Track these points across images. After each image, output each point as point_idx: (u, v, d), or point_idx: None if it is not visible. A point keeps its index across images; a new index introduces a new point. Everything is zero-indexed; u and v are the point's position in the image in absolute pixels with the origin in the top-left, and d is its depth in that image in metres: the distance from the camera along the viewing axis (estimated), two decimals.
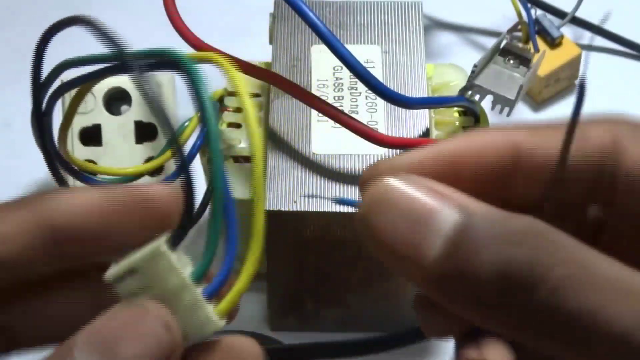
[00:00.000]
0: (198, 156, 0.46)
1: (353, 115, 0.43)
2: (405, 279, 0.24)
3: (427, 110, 0.45)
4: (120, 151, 0.49)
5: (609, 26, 0.60)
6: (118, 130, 0.49)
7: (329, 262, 0.45)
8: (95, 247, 0.26)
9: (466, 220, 0.22)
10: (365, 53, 0.47)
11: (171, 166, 0.48)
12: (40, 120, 0.30)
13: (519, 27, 0.51)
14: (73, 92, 0.34)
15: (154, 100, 0.23)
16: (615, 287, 0.21)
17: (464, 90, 0.46)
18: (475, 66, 0.46)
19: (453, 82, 0.48)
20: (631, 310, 0.21)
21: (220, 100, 0.46)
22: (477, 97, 0.46)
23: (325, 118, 0.44)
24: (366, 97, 0.45)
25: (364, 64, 0.42)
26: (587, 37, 0.60)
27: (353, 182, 0.43)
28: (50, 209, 0.25)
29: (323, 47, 0.42)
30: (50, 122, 0.31)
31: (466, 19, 0.62)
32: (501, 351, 0.26)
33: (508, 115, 0.46)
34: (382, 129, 0.44)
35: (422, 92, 0.46)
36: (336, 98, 0.45)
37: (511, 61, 0.48)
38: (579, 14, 0.58)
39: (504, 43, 0.48)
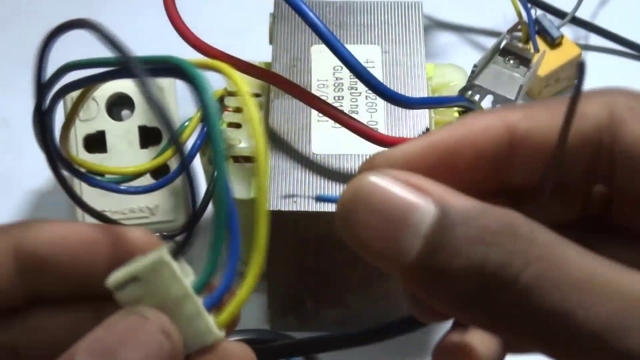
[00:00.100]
0: (198, 156, 0.46)
1: (353, 115, 0.43)
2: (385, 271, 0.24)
3: (427, 110, 0.45)
4: (125, 156, 0.49)
5: (609, 26, 0.60)
6: (122, 135, 0.49)
7: (329, 262, 0.45)
8: (64, 278, 0.26)
9: (442, 218, 0.22)
10: (365, 53, 0.47)
11: (173, 164, 0.48)
12: (42, 119, 0.30)
13: (519, 27, 0.51)
14: (74, 95, 0.34)
15: (159, 104, 0.23)
16: (589, 287, 0.21)
17: (464, 90, 0.46)
18: (475, 66, 0.46)
19: (453, 82, 0.48)
20: (605, 310, 0.21)
21: (221, 100, 0.46)
22: (477, 97, 0.46)
23: (325, 118, 0.44)
24: (366, 97, 0.45)
25: (364, 64, 0.42)
26: (587, 37, 0.60)
27: None
28: (24, 237, 0.26)
29: (323, 47, 0.42)
30: (53, 122, 0.31)
31: (466, 19, 0.62)
32: (485, 338, 0.26)
33: None
34: (382, 129, 0.44)
35: (422, 92, 0.46)
36: (336, 98, 0.45)
37: (511, 61, 0.48)
38: (579, 14, 0.58)
39: (504, 43, 0.48)
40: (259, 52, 0.48)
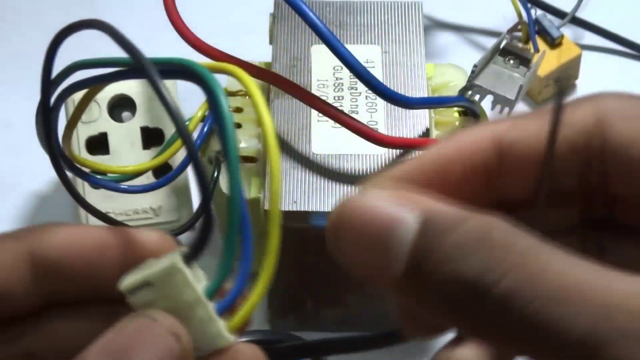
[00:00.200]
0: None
1: (353, 115, 0.44)
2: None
3: (427, 110, 0.45)
4: (128, 158, 0.49)
5: (608, 26, 0.60)
6: (125, 137, 0.49)
7: (329, 262, 0.45)
8: (78, 282, 0.26)
9: (426, 229, 0.22)
10: (365, 53, 0.47)
11: (174, 163, 0.48)
12: (48, 117, 0.30)
13: (519, 27, 0.51)
14: (76, 98, 0.34)
15: (172, 105, 0.23)
16: (570, 294, 0.20)
17: (464, 90, 0.46)
18: (475, 66, 0.46)
19: (453, 82, 0.48)
20: (584, 320, 0.20)
21: None
22: (477, 97, 0.46)
23: (325, 118, 0.44)
24: (366, 97, 0.46)
25: (364, 64, 0.42)
26: (587, 37, 0.60)
27: (353, 182, 0.43)
28: (38, 241, 0.26)
29: (323, 47, 0.42)
30: (56, 120, 0.31)
31: (466, 19, 0.62)
32: (474, 354, 0.26)
33: (508, 115, 0.46)
34: (382, 129, 0.44)
35: (422, 92, 0.46)
36: (336, 98, 0.46)
37: (511, 61, 0.48)
38: (579, 14, 0.58)
39: (504, 43, 0.48)
40: (259, 52, 0.48)
